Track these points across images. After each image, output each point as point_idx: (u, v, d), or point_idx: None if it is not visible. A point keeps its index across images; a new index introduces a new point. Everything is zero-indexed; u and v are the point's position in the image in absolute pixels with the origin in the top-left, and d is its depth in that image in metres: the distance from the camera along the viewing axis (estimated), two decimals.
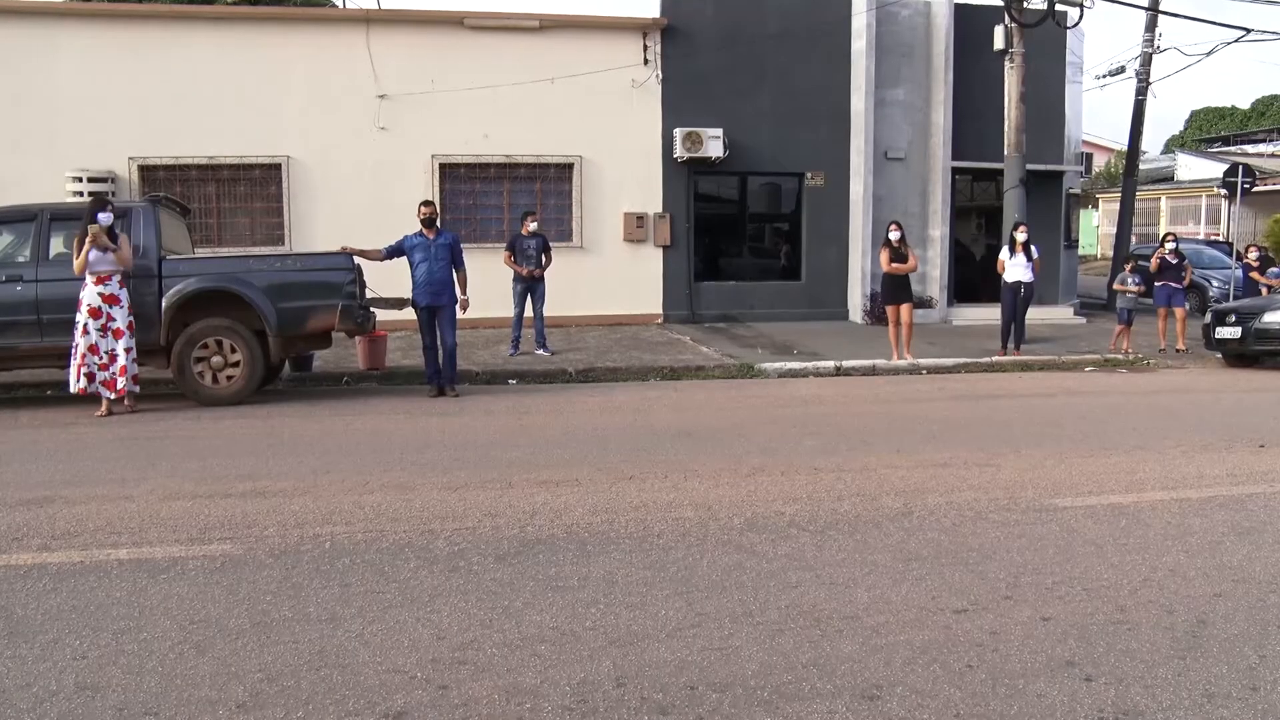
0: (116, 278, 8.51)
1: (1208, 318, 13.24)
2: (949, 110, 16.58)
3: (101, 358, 8.45)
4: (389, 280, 10.62)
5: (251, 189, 15.15)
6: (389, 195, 14.89)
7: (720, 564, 4.35)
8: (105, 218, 8.44)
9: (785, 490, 5.69)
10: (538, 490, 5.66)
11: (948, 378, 11.37)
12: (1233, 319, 12.59)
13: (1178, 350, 13.55)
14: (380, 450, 6.91)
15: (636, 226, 15.96)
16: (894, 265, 12.17)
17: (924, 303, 16.56)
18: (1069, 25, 16.08)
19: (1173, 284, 13.80)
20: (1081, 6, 15.66)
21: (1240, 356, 12.65)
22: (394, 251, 9.75)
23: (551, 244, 12.77)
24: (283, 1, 20.40)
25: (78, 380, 8.42)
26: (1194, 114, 48.54)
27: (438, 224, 9.90)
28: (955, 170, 16.90)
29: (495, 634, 3.56)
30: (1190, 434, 7.54)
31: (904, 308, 12.14)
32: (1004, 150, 14.82)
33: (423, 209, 9.84)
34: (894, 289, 12.28)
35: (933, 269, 16.83)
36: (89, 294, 8.43)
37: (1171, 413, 8.69)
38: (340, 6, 21.80)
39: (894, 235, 12.24)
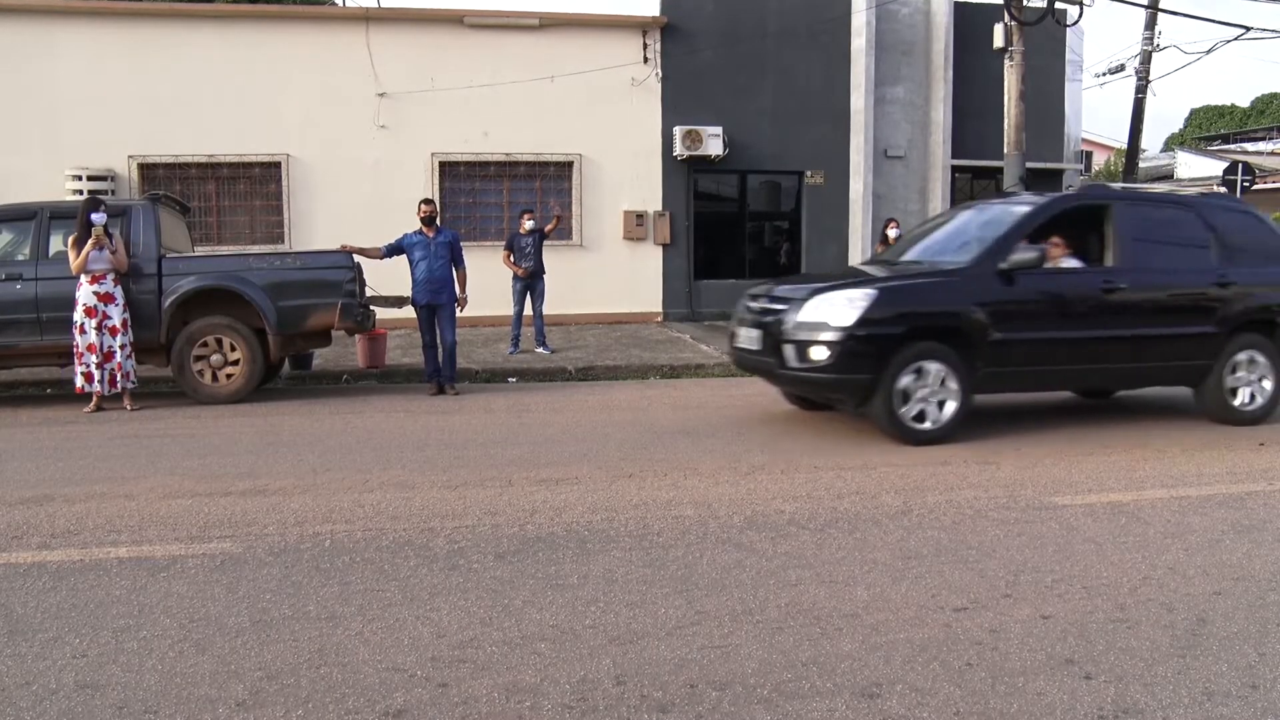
0: (111, 276, 8.54)
1: None
2: (949, 108, 16.59)
3: (99, 356, 8.47)
4: (389, 279, 10.62)
5: (251, 187, 15.15)
6: (389, 193, 14.89)
7: (720, 562, 4.35)
8: (99, 218, 8.44)
9: (785, 488, 5.69)
10: (537, 488, 5.66)
11: None
12: None
13: None
14: (380, 448, 6.90)
15: (636, 225, 15.96)
16: None
17: None
18: (1068, 23, 16.06)
19: None
20: (1081, 5, 15.63)
21: None
22: (393, 250, 9.74)
23: (551, 242, 12.76)
24: (283, 0, 20.38)
25: (78, 380, 8.51)
26: (1194, 112, 48.53)
27: (437, 222, 9.89)
28: (955, 168, 16.91)
29: (495, 632, 3.56)
30: (1189, 431, 7.54)
31: None
32: (1004, 148, 14.80)
33: (423, 207, 9.83)
34: None
35: None
36: (84, 293, 8.45)
37: (1170, 410, 8.68)
38: (340, 5, 21.78)
39: (892, 233, 12.25)
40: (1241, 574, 4.22)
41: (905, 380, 6.87)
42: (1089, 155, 33.07)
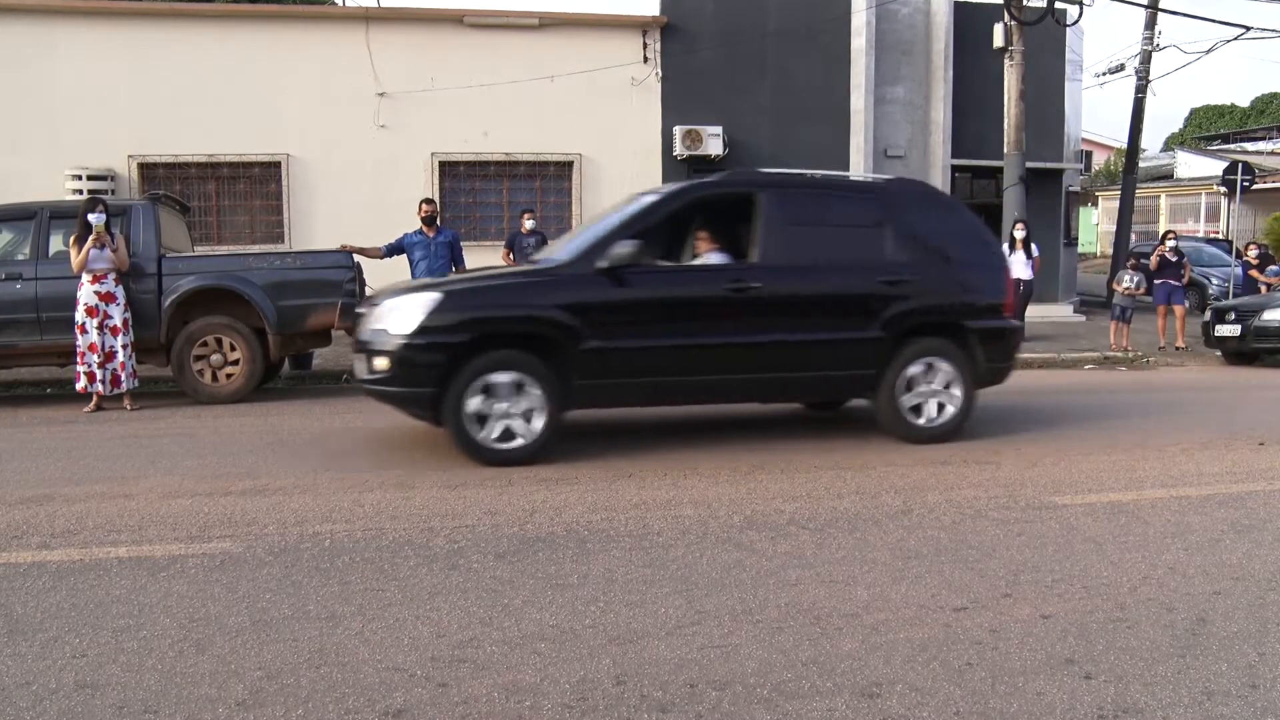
0: (112, 276, 8.53)
1: (1207, 315, 13.27)
2: (949, 108, 16.58)
3: (100, 355, 8.47)
4: (389, 279, 10.61)
5: (251, 187, 15.15)
6: (389, 193, 14.88)
7: (720, 562, 4.35)
8: (96, 219, 8.40)
9: (785, 488, 5.69)
10: (537, 488, 5.66)
11: None
12: (1232, 316, 12.61)
13: (1177, 348, 13.56)
14: (379, 448, 6.90)
15: None
16: None
17: None
18: (1068, 23, 16.09)
19: (1172, 282, 13.82)
20: (1081, 4, 15.67)
21: (1239, 354, 12.67)
22: (394, 250, 9.75)
23: (552, 242, 12.76)
24: (283, 0, 20.38)
25: (80, 379, 8.51)
26: (1193, 112, 48.59)
27: (438, 222, 9.89)
28: (955, 168, 16.91)
29: (495, 632, 3.56)
30: (1189, 431, 7.54)
31: None
32: (1004, 148, 14.83)
33: (424, 207, 9.84)
34: None
35: None
36: (85, 293, 8.45)
37: (1171, 410, 8.69)
38: (340, 4, 21.78)
39: None
40: (1241, 574, 4.22)
41: (478, 393, 6.07)
42: (1089, 155, 33.13)
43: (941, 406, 7.00)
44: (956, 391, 6.99)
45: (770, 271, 6.60)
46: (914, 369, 6.89)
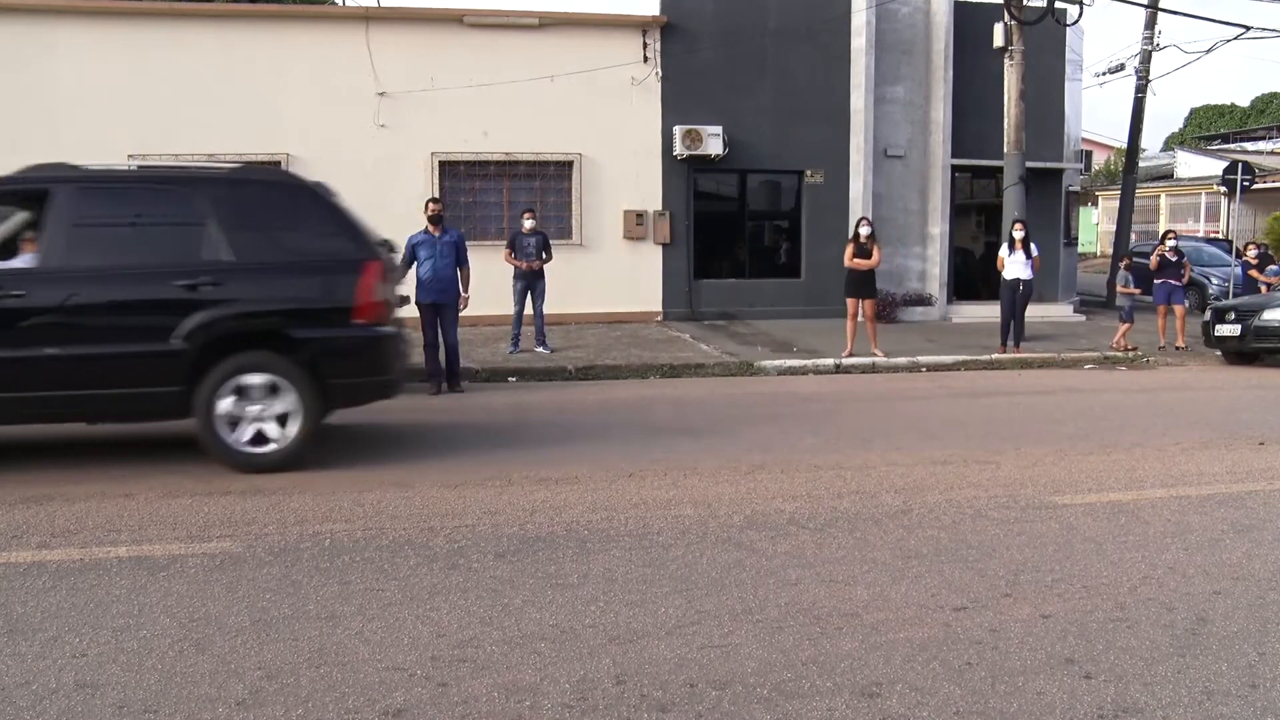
0: None
1: (1207, 315, 13.25)
2: (949, 108, 16.57)
3: None
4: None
5: None
6: (388, 193, 14.85)
7: (720, 561, 4.35)
8: None
9: (785, 488, 5.69)
10: (537, 488, 5.66)
11: (947, 375, 11.37)
12: (1232, 316, 12.60)
13: (1177, 347, 13.56)
14: (379, 447, 6.91)
15: (636, 224, 15.95)
16: (856, 261, 12.15)
17: (923, 300, 16.58)
18: (1068, 23, 16.09)
19: (1172, 281, 13.81)
20: (1081, 4, 15.67)
21: (1239, 354, 12.66)
22: (408, 261, 9.67)
23: (551, 241, 12.76)
24: (283, 0, 20.39)
25: None
26: (1193, 111, 48.57)
27: (443, 222, 9.90)
28: (955, 168, 16.90)
29: (495, 631, 3.56)
30: (1190, 431, 7.54)
31: (867, 303, 12.19)
32: (1004, 148, 14.82)
33: (431, 206, 9.85)
34: (859, 284, 12.22)
35: (932, 266, 16.83)
36: None
37: (1171, 410, 8.69)
38: (340, 4, 21.78)
39: (864, 230, 12.26)
40: (1241, 573, 4.22)
41: None
42: (1089, 155, 33.13)
43: (281, 424, 6.12)
44: (291, 410, 6.10)
45: (39, 278, 6.00)
46: (233, 387, 6.08)
